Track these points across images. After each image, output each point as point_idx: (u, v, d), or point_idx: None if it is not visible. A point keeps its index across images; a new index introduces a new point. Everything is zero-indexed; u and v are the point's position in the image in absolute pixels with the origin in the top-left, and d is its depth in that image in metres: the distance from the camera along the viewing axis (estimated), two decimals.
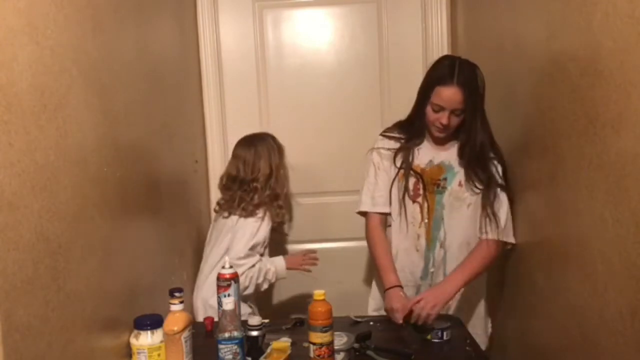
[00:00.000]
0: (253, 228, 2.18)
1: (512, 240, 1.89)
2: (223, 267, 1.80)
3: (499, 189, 1.88)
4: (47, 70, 1.15)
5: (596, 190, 1.37)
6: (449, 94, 1.80)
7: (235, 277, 1.78)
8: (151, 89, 1.91)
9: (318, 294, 1.57)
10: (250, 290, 2.19)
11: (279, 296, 2.80)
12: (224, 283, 1.76)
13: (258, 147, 2.31)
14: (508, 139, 2.00)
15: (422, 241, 1.95)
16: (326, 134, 2.77)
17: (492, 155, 1.91)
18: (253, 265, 2.16)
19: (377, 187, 1.98)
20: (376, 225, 1.99)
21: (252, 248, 2.17)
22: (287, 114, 2.78)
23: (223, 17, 2.75)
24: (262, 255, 2.23)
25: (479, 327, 2.02)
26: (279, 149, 2.34)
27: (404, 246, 1.98)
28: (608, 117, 1.29)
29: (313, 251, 2.32)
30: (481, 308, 2.04)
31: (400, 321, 1.83)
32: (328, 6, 2.76)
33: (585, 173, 1.42)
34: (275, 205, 2.26)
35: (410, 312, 1.80)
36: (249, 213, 2.21)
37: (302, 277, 2.71)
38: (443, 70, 1.83)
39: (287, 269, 2.25)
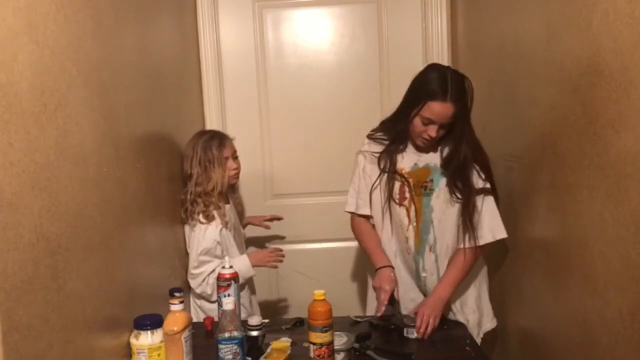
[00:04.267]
0: (199, 235, 2.10)
1: (501, 236, 1.89)
2: (223, 267, 1.80)
3: (482, 196, 1.87)
4: (47, 70, 1.15)
5: (596, 190, 1.37)
6: (441, 110, 1.78)
7: (235, 277, 1.78)
8: (151, 88, 1.91)
9: (318, 294, 1.57)
10: (215, 297, 2.05)
11: (279, 296, 2.80)
12: (224, 283, 1.76)
13: (183, 153, 2.21)
14: (508, 139, 2.00)
15: (411, 244, 1.95)
16: (326, 134, 2.77)
17: (474, 164, 1.88)
18: (213, 271, 2.06)
19: (361, 191, 2.02)
20: (361, 219, 2.06)
21: (206, 254, 2.09)
22: (287, 114, 2.78)
23: (223, 17, 2.74)
24: (221, 256, 2.09)
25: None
26: (205, 143, 2.16)
27: (395, 248, 1.99)
28: (608, 117, 1.29)
29: (279, 249, 2.27)
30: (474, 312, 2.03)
31: (385, 302, 1.85)
32: (328, 6, 2.76)
33: (585, 173, 1.42)
34: (209, 202, 2.12)
35: (390, 301, 1.85)
36: (191, 221, 2.14)
37: (302, 277, 2.72)
38: (435, 85, 1.79)
39: (253, 266, 2.14)
